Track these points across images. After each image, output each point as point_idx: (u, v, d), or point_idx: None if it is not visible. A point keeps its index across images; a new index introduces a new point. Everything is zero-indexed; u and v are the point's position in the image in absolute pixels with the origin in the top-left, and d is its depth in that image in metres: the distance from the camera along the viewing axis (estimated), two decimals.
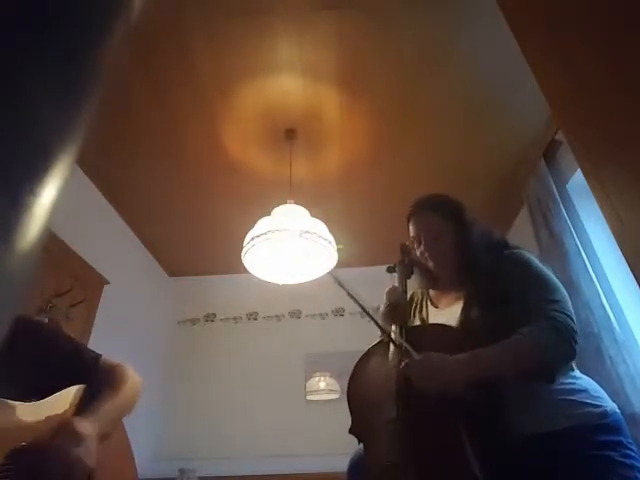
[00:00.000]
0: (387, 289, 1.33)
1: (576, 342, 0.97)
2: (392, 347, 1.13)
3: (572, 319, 1.00)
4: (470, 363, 0.97)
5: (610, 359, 1.85)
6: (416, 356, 1.01)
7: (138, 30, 1.79)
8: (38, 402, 0.89)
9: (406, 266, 1.37)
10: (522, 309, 1.04)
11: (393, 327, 1.19)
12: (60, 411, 0.92)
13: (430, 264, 1.27)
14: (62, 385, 0.95)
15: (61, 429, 0.84)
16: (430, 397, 0.96)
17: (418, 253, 1.30)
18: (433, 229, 1.26)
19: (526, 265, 1.13)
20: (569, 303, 1.04)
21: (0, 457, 0.77)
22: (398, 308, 1.25)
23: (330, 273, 1.35)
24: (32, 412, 0.87)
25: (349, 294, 1.12)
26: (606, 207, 0.83)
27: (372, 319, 1.15)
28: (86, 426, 0.86)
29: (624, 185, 0.80)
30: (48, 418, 0.88)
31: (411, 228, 1.31)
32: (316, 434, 3.16)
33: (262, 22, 1.96)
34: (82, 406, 0.94)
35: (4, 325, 0.18)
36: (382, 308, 1.31)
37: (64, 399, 0.95)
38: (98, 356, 1.06)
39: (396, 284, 1.36)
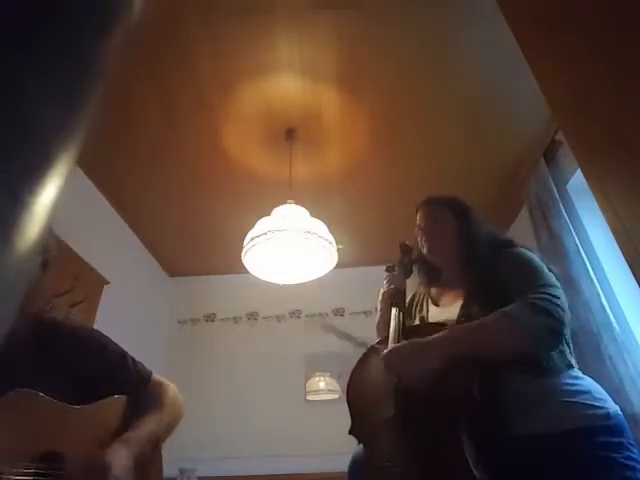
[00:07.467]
0: (387, 275, 1.36)
1: (558, 317, 0.96)
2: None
3: (555, 296, 1.00)
4: (438, 341, 0.98)
5: (610, 359, 1.85)
6: None
7: (138, 30, 1.79)
8: (86, 407, 0.92)
9: (405, 265, 1.37)
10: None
11: (393, 310, 1.21)
12: (107, 422, 0.95)
13: (424, 248, 1.30)
14: (106, 393, 0.98)
15: (97, 458, 0.86)
16: (427, 395, 0.96)
17: (418, 240, 1.32)
18: (435, 214, 1.31)
19: (521, 260, 1.14)
20: (557, 288, 1.04)
21: (33, 455, 0.81)
22: (398, 291, 1.29)
23: (325, 328, 1.43)
24: (79, 417, 0.91)
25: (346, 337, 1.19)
26: (606, 207, 0.83)
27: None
28: (122, 454, 0.88)
29: (624, 185, 0.80)
30: (91, 426, 0.92)
31: (418, 217, 1.35)
32: (316, 434, 3.16)
33: (262, 22, 1.96)
34: (126, 422, 0.98)
35: (4, 325, 0.18)
36: (384, 288, 1.34)
37: (112, 409, 0.98)
38: (147, 373, 1.10)
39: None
